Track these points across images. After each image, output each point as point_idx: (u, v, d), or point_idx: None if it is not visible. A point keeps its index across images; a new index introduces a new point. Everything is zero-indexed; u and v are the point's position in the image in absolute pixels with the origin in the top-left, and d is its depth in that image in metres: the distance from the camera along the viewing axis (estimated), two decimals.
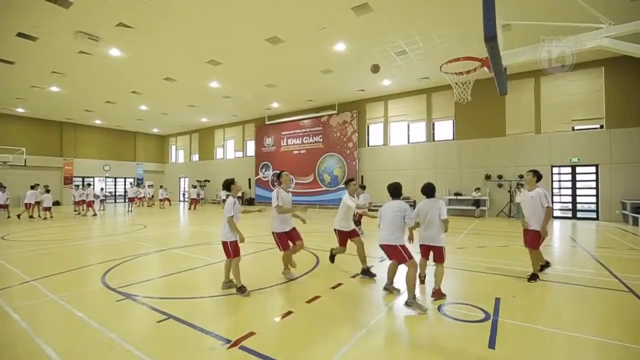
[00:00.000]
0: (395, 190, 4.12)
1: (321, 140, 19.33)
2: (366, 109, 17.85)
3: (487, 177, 14.26)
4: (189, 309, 3.95)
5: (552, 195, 13.46)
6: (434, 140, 16.05)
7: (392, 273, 4.35)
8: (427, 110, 16.05)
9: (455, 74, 4.64)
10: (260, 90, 16.42)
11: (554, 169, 13.39)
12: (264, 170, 22.08)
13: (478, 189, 14.03)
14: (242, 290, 4.34)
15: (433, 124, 16.07)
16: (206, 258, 6.61)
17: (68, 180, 23.64)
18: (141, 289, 4.65)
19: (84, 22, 9.78)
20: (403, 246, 3.87)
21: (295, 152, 20.57)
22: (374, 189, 17.08)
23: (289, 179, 5.36)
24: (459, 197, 14.67)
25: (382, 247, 4.04)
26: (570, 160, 12.98)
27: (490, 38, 2.74)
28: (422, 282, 4.70)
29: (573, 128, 13.12)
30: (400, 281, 4.73)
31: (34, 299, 4.27)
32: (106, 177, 26.22)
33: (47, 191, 13.40)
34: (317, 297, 4.22)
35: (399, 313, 3.76)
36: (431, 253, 4.22)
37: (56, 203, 23.07)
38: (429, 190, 4.20)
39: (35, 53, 11.91)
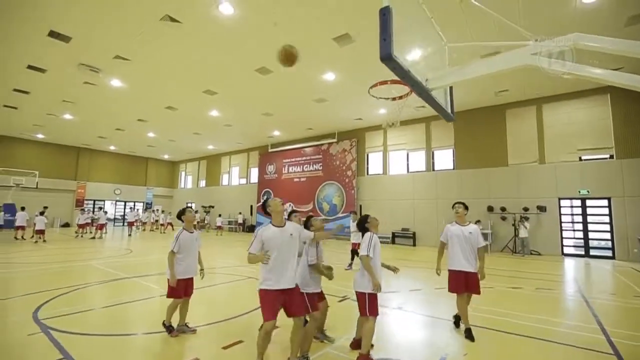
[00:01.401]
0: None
1: (321, 168, 19.18)
2: (365, 137, 17.68)
3: (490, 209, 13.43)
4: (97, 349, 3.63)
5: (562, 230, 12.43)
6: (433, 170, 15.49)
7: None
8: (427, 139, 15.66)
9: (391, 99, 4.35)
10: (259, 118, 16.68)
11: (561, 201, 12.44)
12: (265, 197, 22.01)
13: (478, 221, 13.15)
14: (168, 330, 3.98)
15: (433, 153, 15.60)
16: (160, 289, 6.29)
17: (80, 203, 24.42)
18: (67, 322, 4.38)
19: (84, 55, 10.36)
20: (309, 294, 3.37)
21: (295, 179, 20.46)
22: None
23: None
24: None
25: None
26: (579, 192, 12.05)
27: (386, 58, 2.47)
28: (354, 346, 3.58)
29: (580, 158, 12.29)
30: (337, 326, 4.23)
31: None
32: (116, 201, 26.95)
33: (42, 213, 13.72)
34: (238, 342, 3.78)
35: None
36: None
37: (66, 225, 23.80)
38: (358, 225, 3.66)
39: (46, 84, 12.68)
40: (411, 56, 3.03)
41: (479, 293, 4.22)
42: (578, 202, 12.33)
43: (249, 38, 9.15)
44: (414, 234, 15.05)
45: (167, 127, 18.95)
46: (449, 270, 4.31)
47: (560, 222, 12.41)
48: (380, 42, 2.47)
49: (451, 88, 3.98)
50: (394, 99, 4.43)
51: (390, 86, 4.21)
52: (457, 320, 4.42)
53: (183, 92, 13.35)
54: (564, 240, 12.39)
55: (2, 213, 18.54)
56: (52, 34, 9.12)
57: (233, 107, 15.16)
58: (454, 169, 14.90)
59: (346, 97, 13.48)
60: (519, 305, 5.63)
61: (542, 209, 12.38)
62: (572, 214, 12.56)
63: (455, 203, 4.47)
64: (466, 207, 4.42)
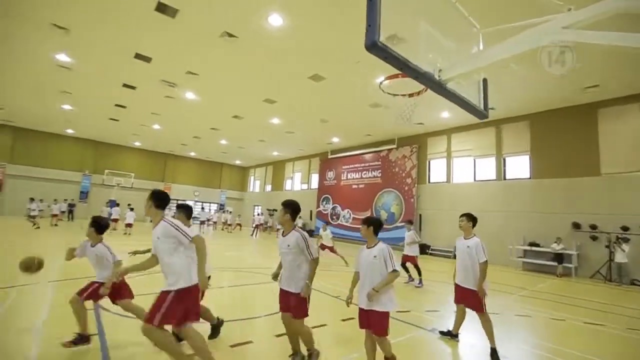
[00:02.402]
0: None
1: (380, 175, 18.62)
2: (427, 143, 16.63)
3: (576, 227, 11.32)
4: (132, 330, 4.03)
5: None
6: (504, 179, 13.76)
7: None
8: (497, 144, 14.02)
9: (408, 95, 3.89)
10: (317, 125, 16.98)
11: None
12: (324, 203, 22.23)
13: (559, 239, 11.18)
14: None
15: (504, 160, 13.88)
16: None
17: None
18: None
19: (163, 72, 11.90)
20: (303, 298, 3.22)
21: (354, 186, 20.24)
22: (434, 229, 15.41)
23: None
24: (534, 249, 11.94)
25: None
26: None
27: (370, 45, 2.25)
28: None
29: None
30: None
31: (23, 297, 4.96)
32: (195, 201, 30.14)
33: (132, 209, 16.03)
34: (247, 343, 3.80)
35: None
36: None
37: None
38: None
39: (137, 98, 14.90)
40: (423, 45, 2.73)
41: (478, 310, 3.98)
42: None
43: (298, 47, 9.42)
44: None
45: (236, 135, 20.58)
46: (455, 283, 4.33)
47: None
48: (366, 29, 2.26)
49: (485, 81, 3.46)
50: (410, 95, 4.03)
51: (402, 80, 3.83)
52: (493, 353, 3.78)
53: (246, 102, 14.35)
54: None
55: (109, 208, 22.18)
56: (137, 56, 10.70)
57: (292, 115, 15.72)
58: (530, 178, 13.01)
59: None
60: (592, 346, 4.57)
61: None
62: None
63: (460, 215, 4.31)
64: (471, 219, 4.22)
